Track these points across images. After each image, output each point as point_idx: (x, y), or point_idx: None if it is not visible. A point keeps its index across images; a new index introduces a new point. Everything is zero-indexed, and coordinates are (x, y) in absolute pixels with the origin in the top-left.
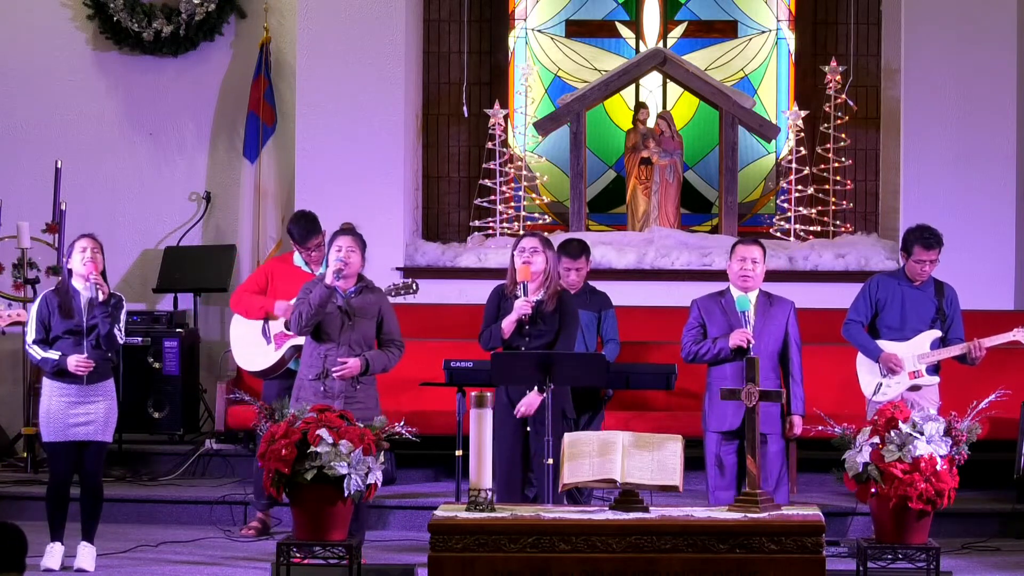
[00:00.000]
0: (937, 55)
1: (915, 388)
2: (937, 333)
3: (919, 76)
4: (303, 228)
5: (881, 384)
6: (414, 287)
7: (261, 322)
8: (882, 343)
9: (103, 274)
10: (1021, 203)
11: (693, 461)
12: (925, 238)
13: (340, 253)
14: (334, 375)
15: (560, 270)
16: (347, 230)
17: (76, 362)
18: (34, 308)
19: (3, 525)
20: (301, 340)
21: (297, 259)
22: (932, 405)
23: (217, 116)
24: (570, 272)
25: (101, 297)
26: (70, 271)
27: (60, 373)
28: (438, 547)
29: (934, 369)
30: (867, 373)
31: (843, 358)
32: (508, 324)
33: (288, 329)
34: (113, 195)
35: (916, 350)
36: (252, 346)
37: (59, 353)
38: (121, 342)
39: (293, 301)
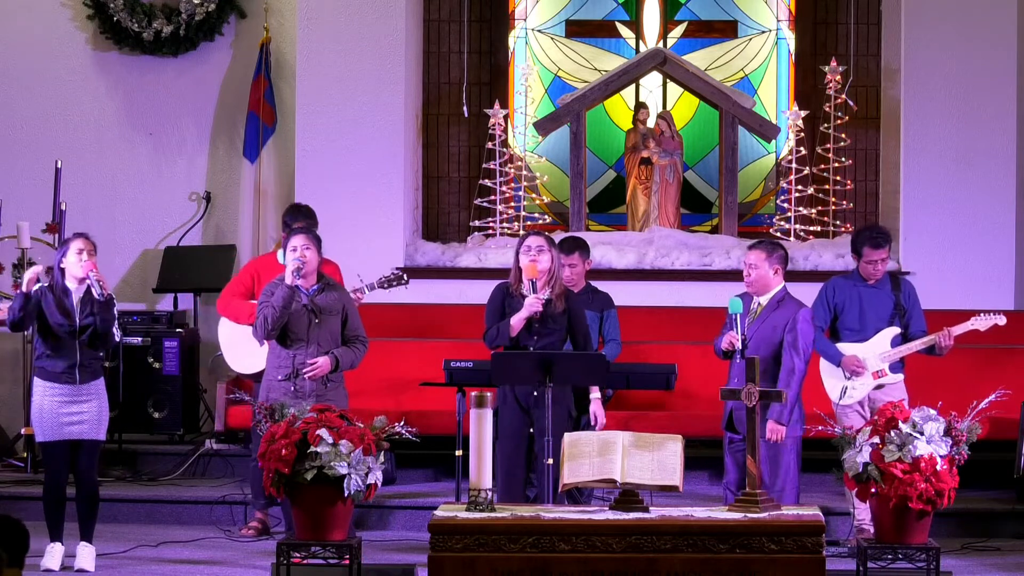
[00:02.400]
0: (937, 55)
1: (880, 387)
2: (896, 330)
3: (919, 76)
4: (302, 218)
5: (846, 388)
6: (404, 279)
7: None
8: (843, 346)
9: None
10: (1021, 203)
11: (693, 461)
12: (873, 238)
13: (296, 253)
14: (305, 375)
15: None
16: (300, 228)
17: (28, 279)
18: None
19: (6, 519)
20: None
21: (281, 256)
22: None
23: (217, 116)
24: (563, 268)
25: (103, 294)
26: (63, 270)
27: (47, 374)
28: (438, 547)
29: (898, 366)
30: (830, 377)
31: None
32: (518, 321)
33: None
34: (113, 195)
35: (877, 349)
36: (243, 348)
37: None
38: (117, 339)
39: None
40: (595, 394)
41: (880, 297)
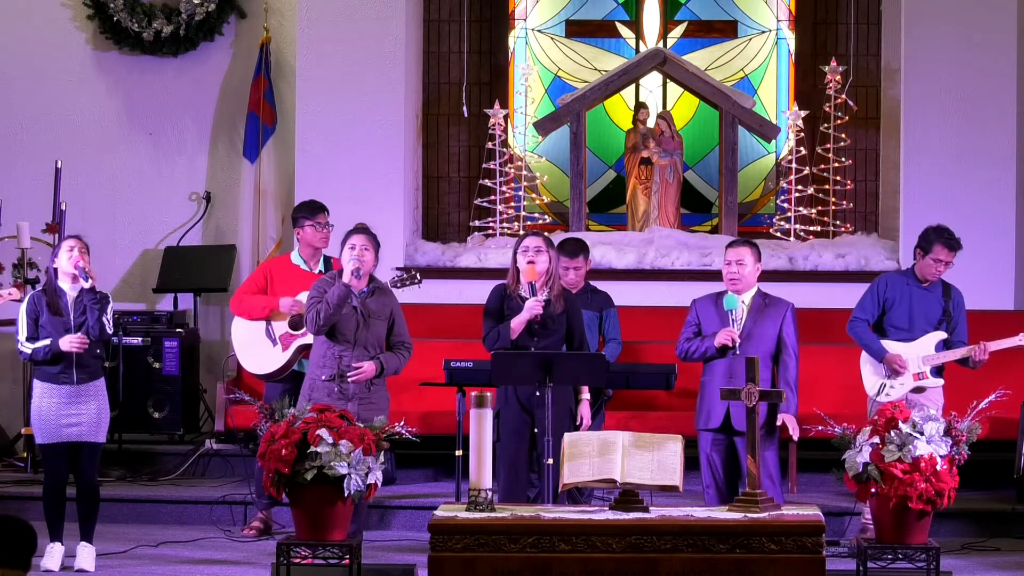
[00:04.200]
0: (937, 55)
1: (919, 390)
2: (942, 335)
3: (919, 76)
4: (310, 206)
5: (885, 384)
6: (417, 277)
7: (264, 324)
8: (888, 343)
9: None
10: (1021, 203)
11: (693, 461)
12: (947, 238)
13: (355, 251)
14: (350, 379)
15: (559, 269)
16: (361, 229)
17: (70, 341)
18: (23, 307)
19: (13, 520)
20: (309, 340)
21: (295, 257)
22: (935, 407)
23: (217, 116)
24: (568, 271)
25: (90, 283)
26: (56, 271)
27: (53, 362)
28: (438, 547)
29: (937, 371)
30: (871, 373)
31: (844, 358)
32: (518, 324)
33: (293, 329)
34: (113, 195)
35: (921, 351)
36: (258, 349)
37: (49, 339)
38: (110, 331)
39: (299, 297)
40: (585, 395)
41: (931, 300)
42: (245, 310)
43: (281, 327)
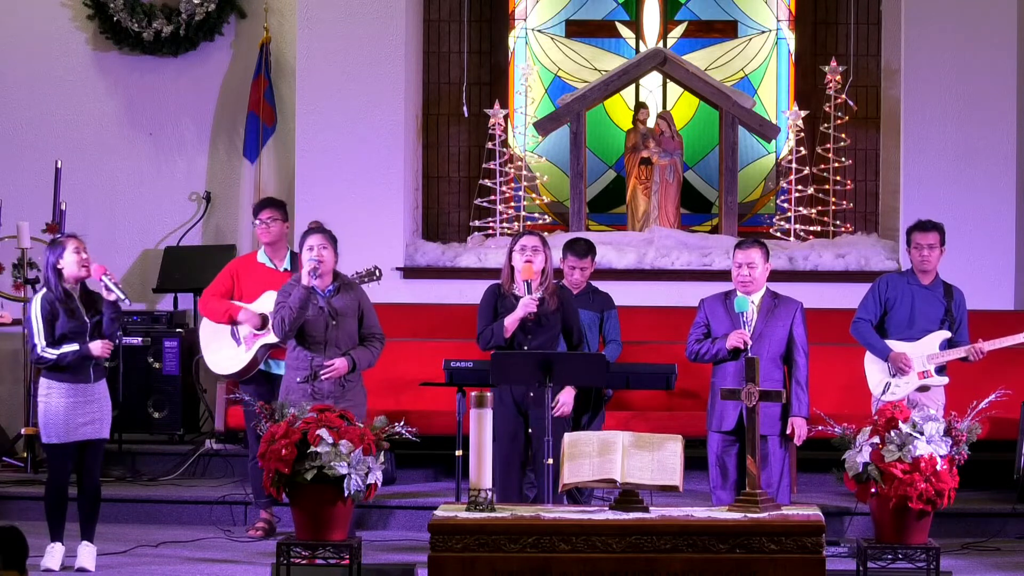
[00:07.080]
0: (937, 55)
1: (923, 388)
2: (946, 334)
3: (919, 76)
4: (259, 203)
5: (889, 384)
6: (377, 273)
7: (229, 325)
8: (891, 342)
9: None
10: (1021, 202)
11: (693, 461)
12: (921, 223)
13: (312, 252)
14: (322, 377)
15: (564, 268)
16: (316, 228)
17: (101, 346)
18: (36, 311)
19: (2, 529)
20: (272, 339)
21: (261, 256)
22: (937, 406)
23: (217, 116)
24: (575, 271)
25: (121, 297)
26: (59, 271)
27: (66, 368)
28: (438, 547)
29: (941, 370)
30: (876, 372)
31: (845, 358)
32: (512, 322)
33: (257, 329)
34: (113, 195)
35: (925, 350)
36: (222, 349)
37: (77, 344)
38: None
39: (254, 306)
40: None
41: (932, 300)
42: (208, 312)
43: (246, 328)
